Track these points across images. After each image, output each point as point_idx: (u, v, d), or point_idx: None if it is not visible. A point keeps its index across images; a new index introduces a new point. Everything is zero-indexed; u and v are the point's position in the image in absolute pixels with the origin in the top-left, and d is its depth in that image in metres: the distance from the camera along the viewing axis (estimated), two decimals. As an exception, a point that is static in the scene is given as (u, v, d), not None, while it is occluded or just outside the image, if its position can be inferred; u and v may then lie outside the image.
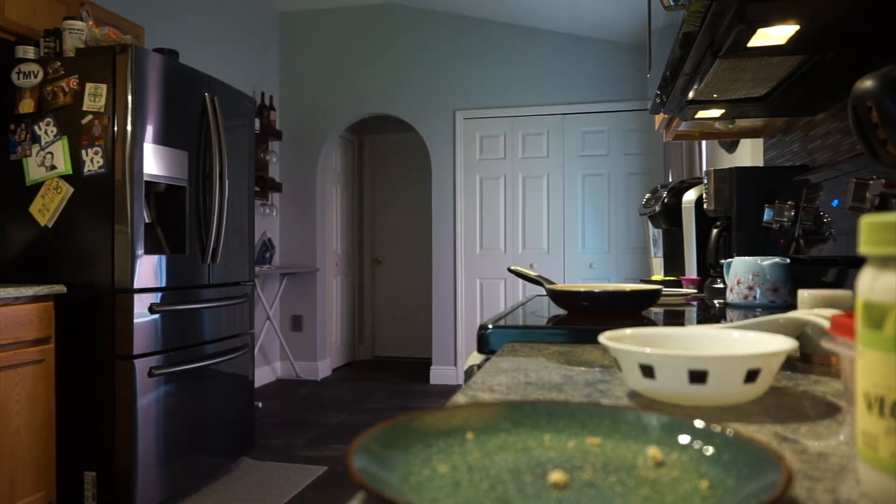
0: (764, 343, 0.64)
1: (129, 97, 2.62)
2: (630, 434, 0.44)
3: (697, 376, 0.56)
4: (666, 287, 1.92)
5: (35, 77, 2.68)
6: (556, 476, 0.39)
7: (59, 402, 2.62)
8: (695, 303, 1.61)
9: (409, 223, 6.89)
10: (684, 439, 0.43)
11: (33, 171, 2.69)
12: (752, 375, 0.56)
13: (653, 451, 0.42)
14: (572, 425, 0.46)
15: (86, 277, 2.63)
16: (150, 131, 2.70)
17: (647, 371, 0.58)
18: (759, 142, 2.50)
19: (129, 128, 2.62)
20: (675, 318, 1.30)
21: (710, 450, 0.41)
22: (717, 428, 0.42)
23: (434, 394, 5.21)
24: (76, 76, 2.65)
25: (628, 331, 0.70)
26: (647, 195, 2.77)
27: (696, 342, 0.69)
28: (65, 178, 2.66)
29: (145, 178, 2.68)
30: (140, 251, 2.64)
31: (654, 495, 0.37)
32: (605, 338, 0.66)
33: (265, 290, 5.47)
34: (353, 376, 5.96)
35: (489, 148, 5.52)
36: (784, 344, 0.61)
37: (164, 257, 2.78)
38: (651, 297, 1.25)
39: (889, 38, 1.07)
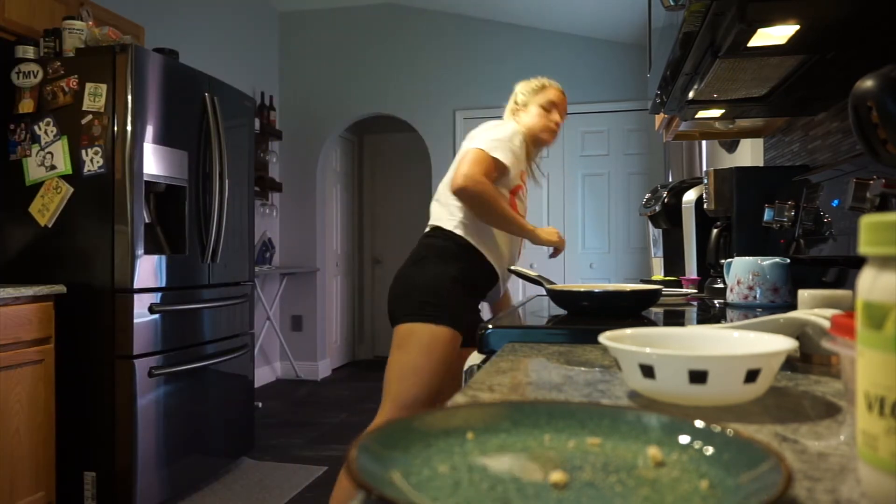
0: (764, 343, 0.64)
1: (129, 97, 2.62)
2: (630, 434, 0.44)
3: (697, 376, 0.56)
4: (666, 287, 1.92)
5: (35, 77, 2.68)
6: (556, 476, 0.39)
7: (59, 402, 2.62)
8: (695, 303, 1.61)
9: (409, 223, 6.88)
10: (684, 439, 0.42)
11: (33, 171, 2.69)
12: (752, 375, 0.56)
13: (653, 451, 0.42)
14: (572, 425, 0.46)
15: (86, 277, 2.63)
16: (149, 131, 2.70)
17: (647, 371, 0.58)
18: (759, 142, 2.50)
19: (128, 128, 2.62)
20: (675, 318, 1.30)
21: (710, 450, 0.41)
22: (717, 428, 0.42)
23: (434, 394, 5.20)
24: (76, 76, 2.65)
25: (628, 331, 0.70)
26: (647, 195, 2.77)
27: (696, 342, 0.69)
28: (64, 178, 2.66)
29: (145, 178, 2.68)
30: (140, 251, 2.63)
31: (654, 495, 0.37)
32: (605, 338, 0.66)
33: (265, 290, 5.47)
34: (353, 376, 5.96)
35: (489, 148, 5.51)
36: (784, 344, 0.61)
37: (163, 257, 2.78)
38: (651, 297, 1.25)
39: (889, 38, 1.07)
